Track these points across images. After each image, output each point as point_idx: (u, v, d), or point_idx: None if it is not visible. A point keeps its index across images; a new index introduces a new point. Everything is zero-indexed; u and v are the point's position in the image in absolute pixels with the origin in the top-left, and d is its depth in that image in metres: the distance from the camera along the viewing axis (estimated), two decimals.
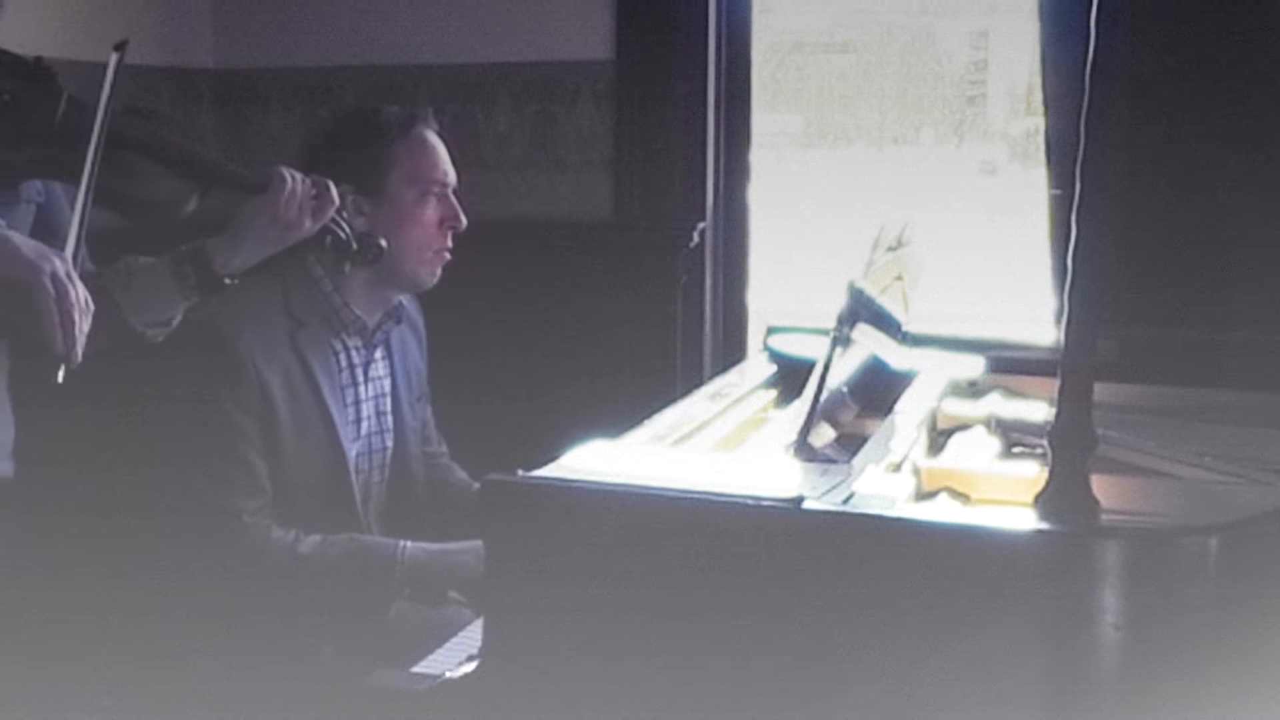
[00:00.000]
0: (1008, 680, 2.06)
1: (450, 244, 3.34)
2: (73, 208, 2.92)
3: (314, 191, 2.99)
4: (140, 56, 4.39)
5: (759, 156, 4.63)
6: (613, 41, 4.45)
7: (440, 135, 3.37)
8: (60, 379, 2.53)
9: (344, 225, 3.06)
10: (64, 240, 2.93)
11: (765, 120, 4.92)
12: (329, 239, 3.06)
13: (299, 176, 2.98)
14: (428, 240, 3.30)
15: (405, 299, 3.44)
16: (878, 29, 7.70)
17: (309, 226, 2.99)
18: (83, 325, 2.55)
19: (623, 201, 4.49)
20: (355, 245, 3.09)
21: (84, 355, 2.75)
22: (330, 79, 4.64)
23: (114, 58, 2.71)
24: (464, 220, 3.33)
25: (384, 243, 3.12)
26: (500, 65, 4.55)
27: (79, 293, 2.56)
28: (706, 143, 4.48)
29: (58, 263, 2.55)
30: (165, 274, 2.95)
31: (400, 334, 3.47)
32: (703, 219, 4.48)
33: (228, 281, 2.96)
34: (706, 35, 4.43)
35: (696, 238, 4.45)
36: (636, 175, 4.46)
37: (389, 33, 4.61)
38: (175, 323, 3.00)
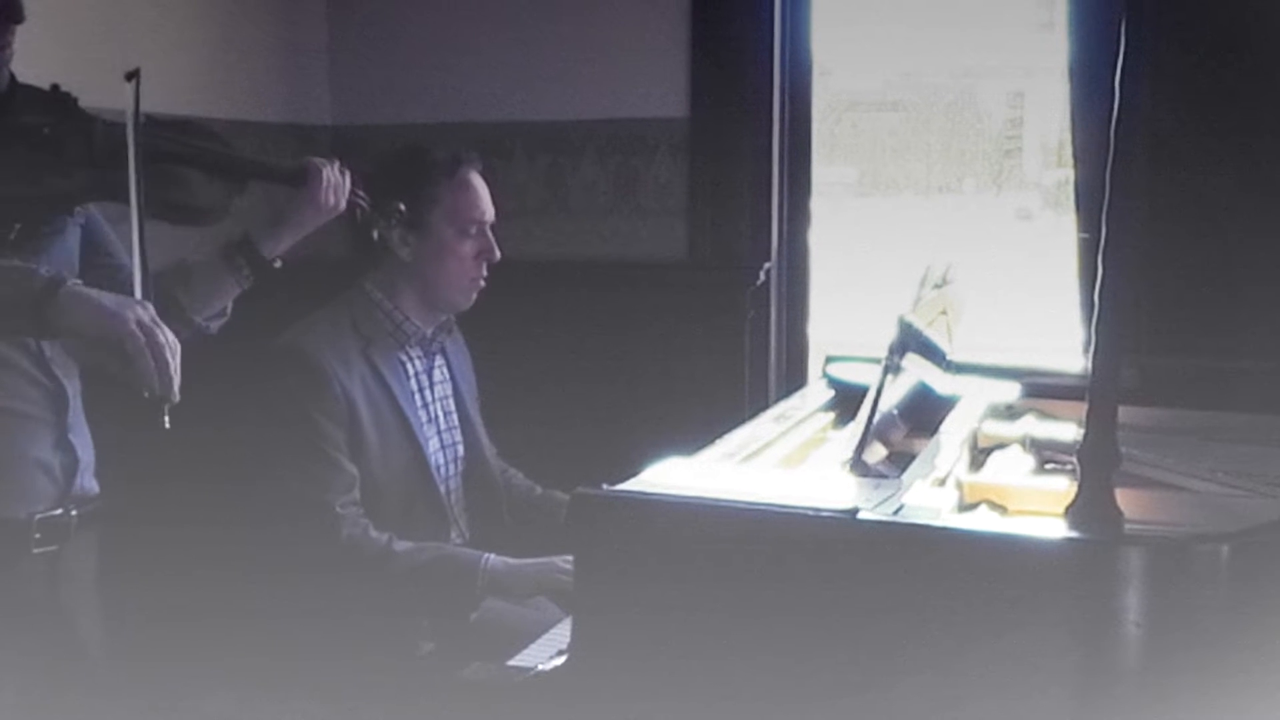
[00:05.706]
0: (1041, 673, 2.07)
1: (485, 273, 3.38)
2: (108, 224, 2.97)
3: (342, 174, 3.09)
4: (263, 114, 4.46)
5: (818, 204, 4.62)
6: (687, 101, 4.46)
7: (482, 175, 3.40)
8: (166, 423, 2.41)
9: (363, 197, 3.13)
10: (110, 254, 2.96)
11: (824, 171, 4.91)
12: (358, 212, 3.13)
13: (328, 164, 3.06)
14: (464, 271, 3.34)
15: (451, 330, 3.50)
16: (925, 90, 7.72)
17: (342, 206, 3.07)
18: (175, 364, 2.43)
19: (696, 244, 4.50)
20: (378, 212, 3.15)
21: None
22: (435, 134, 4.66)
23: (133, 84, 2.62)
24: (498, 253, 3.37)
25: (403, 206, 3.17)
26: (587, 122, 4.57)
27: (166, 334, 2.43)
28: (771, 191, 4.47)
29: (139, 310, 2.43)
30: (220, 266, 2.98)
31: (453, 347, 3.52)
32: (768, 259, 4.48)
33: (276, 264, 3.03)
34: (771, 95, 4.43)
35: (762, 276, 4.45)
36: (708, 221, 4.47)
37: (488, 92, 4.63)
38: (229, 312, 3.05)
